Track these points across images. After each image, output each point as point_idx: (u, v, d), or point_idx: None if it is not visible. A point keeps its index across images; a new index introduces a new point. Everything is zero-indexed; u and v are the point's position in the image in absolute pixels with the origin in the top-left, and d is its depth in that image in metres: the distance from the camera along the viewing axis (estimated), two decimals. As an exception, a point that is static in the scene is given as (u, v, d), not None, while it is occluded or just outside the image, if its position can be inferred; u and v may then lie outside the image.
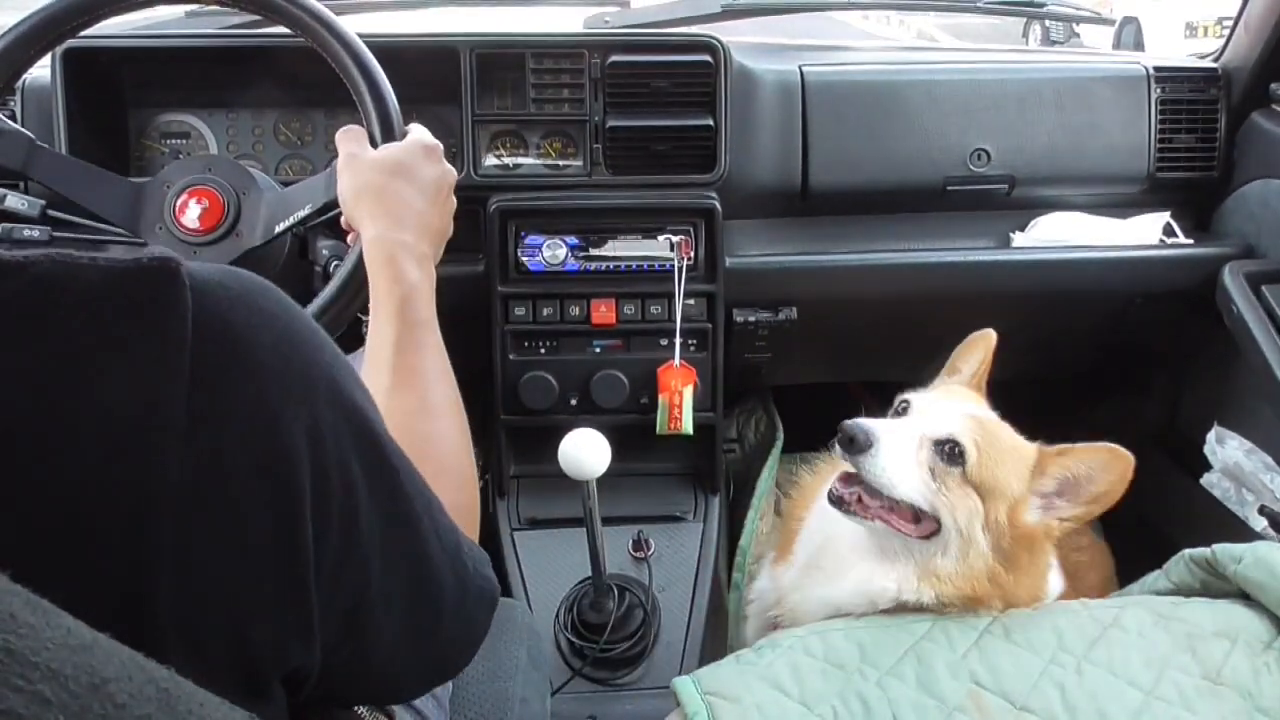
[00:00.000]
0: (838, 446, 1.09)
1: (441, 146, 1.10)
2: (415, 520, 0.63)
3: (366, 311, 1.07)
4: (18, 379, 0.46)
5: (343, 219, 1.08)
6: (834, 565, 1.20)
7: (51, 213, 1.23)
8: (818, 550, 1.25)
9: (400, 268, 0.95)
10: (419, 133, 1.13)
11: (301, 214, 1.19)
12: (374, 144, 1.13)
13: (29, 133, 1.19)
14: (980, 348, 1.21)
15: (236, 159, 1.42)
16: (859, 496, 1.10)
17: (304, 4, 1.18)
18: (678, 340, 1.56)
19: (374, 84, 1.18)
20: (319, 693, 0.61)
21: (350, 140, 1.07)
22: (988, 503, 1.06)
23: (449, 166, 1.09)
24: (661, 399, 1.56)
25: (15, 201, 1.21)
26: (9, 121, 1.18)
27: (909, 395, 1.17)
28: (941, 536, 1.08)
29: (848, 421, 1.09)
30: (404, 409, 0.86)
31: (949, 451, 1.06)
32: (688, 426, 1.56)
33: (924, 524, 1.09)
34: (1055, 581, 1.20)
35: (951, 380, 1.23)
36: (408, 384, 0.90)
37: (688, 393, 1.56)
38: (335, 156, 1.09)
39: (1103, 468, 1.06)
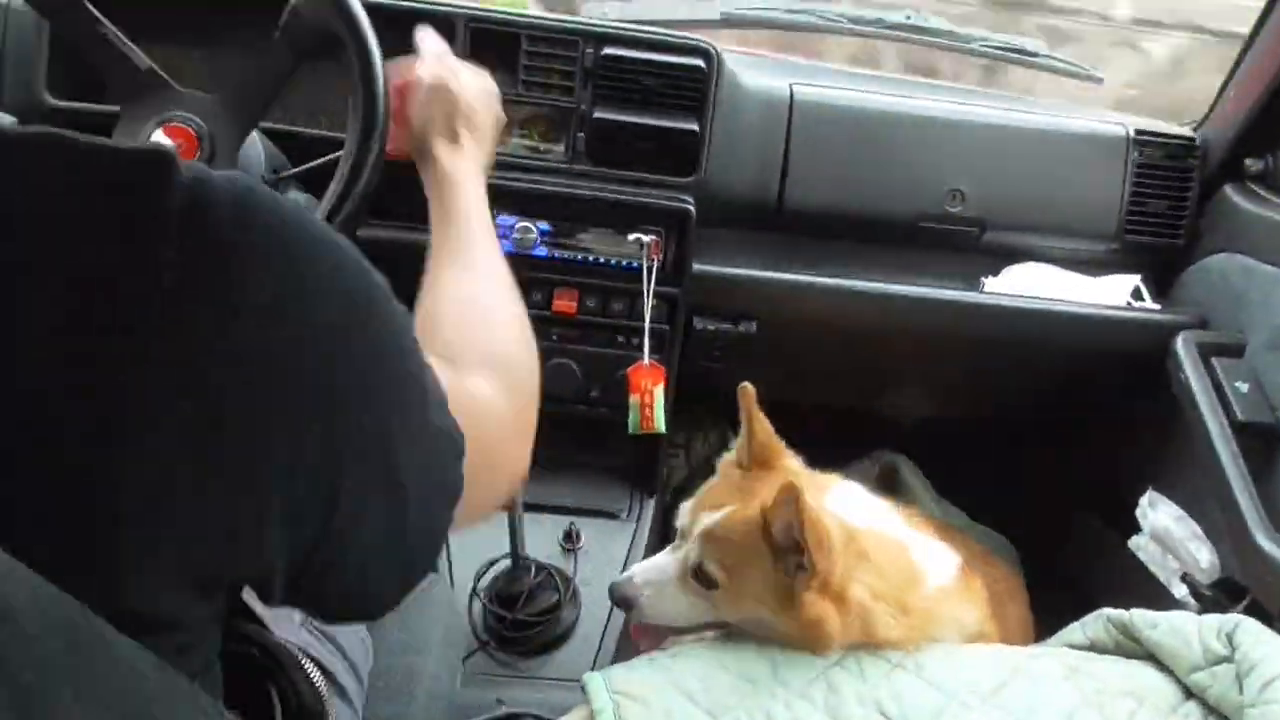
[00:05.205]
0: None
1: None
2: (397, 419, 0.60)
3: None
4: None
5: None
6: None
7: None
8: None
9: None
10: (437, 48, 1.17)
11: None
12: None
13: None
14: (743, 407, 1.20)
15: None
16: None
17: None
18: (646, 340, 1.55)
19: (363, 47, 1.17)
20: (293, 600, 0.59)
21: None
22: (755, 602, 1.08)
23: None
24: (633, 399, 1.55)
25: None
26: None
27: (681, 507, 1.18)
28: None
29: (613, 584, 1.16)
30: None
31: (704, 579, 1.10)
32: (660, 425, 1.55)
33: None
34: (959, 615, 1.18)
35: (733, 444, 1.23)
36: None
37: (659, 391, 1.55)
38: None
39: (785, 506, 1.01)
